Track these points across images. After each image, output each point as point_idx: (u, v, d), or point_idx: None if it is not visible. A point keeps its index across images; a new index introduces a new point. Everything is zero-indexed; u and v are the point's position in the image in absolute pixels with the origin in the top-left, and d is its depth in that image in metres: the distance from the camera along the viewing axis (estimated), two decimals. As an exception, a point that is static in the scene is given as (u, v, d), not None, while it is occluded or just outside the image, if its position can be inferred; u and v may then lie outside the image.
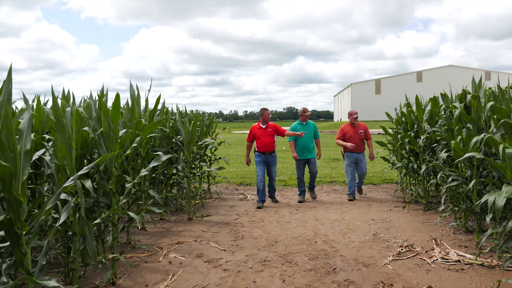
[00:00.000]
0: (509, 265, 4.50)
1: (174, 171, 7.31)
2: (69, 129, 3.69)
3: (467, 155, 4.24)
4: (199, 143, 7.54)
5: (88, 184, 3.84)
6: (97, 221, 3.74)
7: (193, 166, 8.60)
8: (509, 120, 3.72)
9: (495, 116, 4.46)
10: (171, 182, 7.47)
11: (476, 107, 5.12)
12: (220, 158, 9.87)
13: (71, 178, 2.87)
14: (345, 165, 8.84)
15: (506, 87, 5.09)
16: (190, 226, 6.66)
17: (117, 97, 4.14)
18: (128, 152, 4.34)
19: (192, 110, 9.15)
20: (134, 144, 4.36)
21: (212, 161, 9.80)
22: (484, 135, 4.22)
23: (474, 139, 4.28)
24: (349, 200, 8.63)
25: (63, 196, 3.50)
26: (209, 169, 7.93)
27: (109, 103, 4.99)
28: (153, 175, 6.85)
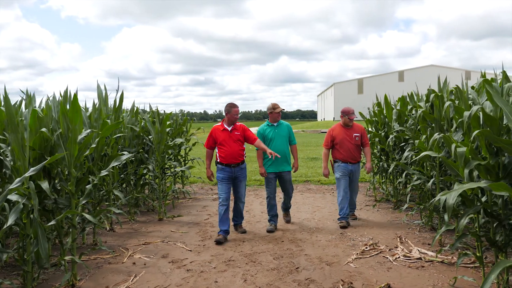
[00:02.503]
0: (467, 262, 4.59)
1: (145, 171, 7.27)
2: (23, 130, 3.65)
3: (422, 154, 4.31)
4: (169, 143, 7.48)
5: (44, 185, 3.80)
6: (52, 222, 3.70)
7: (167, 166, 8.56)
8: (461, 119, 3.78)
9: (457, 116, 4.54)
10: (141, 182, 7.42)
11: (438, 106, 5.20)
12: (194, 158, 9.85)
13: (18, 179, 2.83)
14: (336, 178, 6.69)
15: (472, 87, 5.17)
16: (159, 227, 6.63)
17: (75, 98, 4.09)
18: (87, 152, 4.29)
19: (165, 111, 9.05)
20: (93, 145, 4.32)
21: (186, 161, 9.77)
22: (438, 134, 4.28)
23: (432, 138, 4.34)
24: (341, 227, 6.38)
25: (16, 198, 3.46)
26: (180, 169, 7.87)
27: (84, 104, 4.96)
28: (121, 175, 6.80)
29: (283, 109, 6.53)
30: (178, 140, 7.95)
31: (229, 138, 6.01)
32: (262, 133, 6.54)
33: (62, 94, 5.21)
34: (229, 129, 6.07)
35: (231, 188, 6.15)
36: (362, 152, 6.85)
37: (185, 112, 10.46)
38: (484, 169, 3.60)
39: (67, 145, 4.14)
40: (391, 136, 7.18)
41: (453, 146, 3.58)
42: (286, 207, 6.91)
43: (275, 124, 6.56)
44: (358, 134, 6.62)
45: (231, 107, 6.10)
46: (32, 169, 3.05)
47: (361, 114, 9.35)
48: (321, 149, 22.41)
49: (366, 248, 5.30)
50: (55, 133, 4.26)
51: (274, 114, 6.52)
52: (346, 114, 6.63)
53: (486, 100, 3.90)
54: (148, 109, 8.95)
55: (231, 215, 6.36)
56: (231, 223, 6.36)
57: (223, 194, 6.01)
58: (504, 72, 3.95)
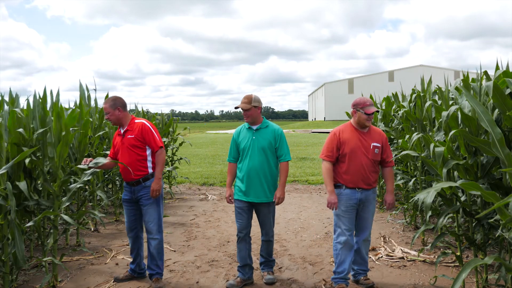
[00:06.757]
0: (448, 260, 4.62)
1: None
2: (1, 130, 3.62)
3: (403, 153, 4.33)
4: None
5: (22, 185, 3.76)
6: (30, 224, 3.67)
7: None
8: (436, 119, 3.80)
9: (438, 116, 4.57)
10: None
11: (420, 106, 5.24)
12: (181, 158, 9.83)
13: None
14: (334, 215, 3.99)
15: (456, 87, 5.21)
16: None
17: (57, 98, 4.07)
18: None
19: (149, 110, 9.00)
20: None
21: (174, 161, 9.74)
22: (416, 134, 4.32)
23: (413, 138, 4.37)
24: None
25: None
26: (167, 169, 7.84)
27: (66, 104, 4.93)
28: (106, 176, 6.76)
29: (253, 105, 4.08)
30: (164, 140, 7.92)
31: (122, 145, 4.17)
32: (235, 138, 4.26)
33: (40, 95, 5.16)
34: (122, 131, 4.23)
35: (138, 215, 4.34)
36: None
37: (176, 112, 10.47)
38: (463, 169, 3.63)
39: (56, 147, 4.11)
40: (376, 136, 7.21)
41: (432, 145, 3.60)
42: (266, 260, 4.38)
43: (254, 127, 4.17)
44: (378, 144, 3.94)
45: (113, 100, 4.19)
46: (3, 167, 3.03)
47: (347, 113, 9.37)
48: (311, 147, 20.72)
49: (350, 247, 5.32)
50: (35, 133, 4.23)
51: (249, 113, 4.12)
52: (361, 107, 3.87)
53: (466, 100, 3.94)
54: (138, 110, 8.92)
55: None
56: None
57: (126, 222, 4.36)
58: (485, 72, 3.98)
